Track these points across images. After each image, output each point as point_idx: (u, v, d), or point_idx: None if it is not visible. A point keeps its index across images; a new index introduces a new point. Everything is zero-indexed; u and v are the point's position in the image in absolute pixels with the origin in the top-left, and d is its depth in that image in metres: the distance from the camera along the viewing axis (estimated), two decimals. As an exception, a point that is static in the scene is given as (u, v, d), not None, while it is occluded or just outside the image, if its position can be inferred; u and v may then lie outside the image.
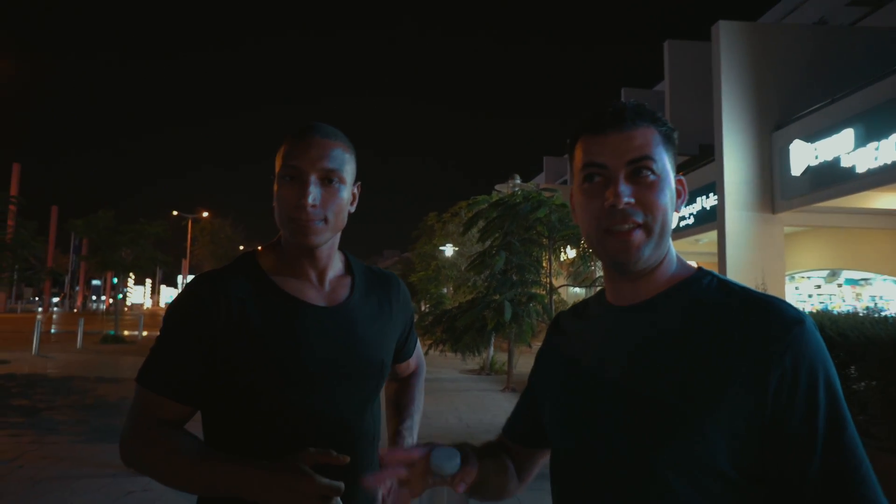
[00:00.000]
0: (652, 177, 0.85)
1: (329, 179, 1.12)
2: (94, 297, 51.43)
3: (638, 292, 0.90)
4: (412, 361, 1.47)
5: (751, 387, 0.75)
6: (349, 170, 1.16)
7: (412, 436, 1.31)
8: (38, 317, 14.34)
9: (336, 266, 1.25)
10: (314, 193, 1.10)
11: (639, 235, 0.84)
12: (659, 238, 0.86)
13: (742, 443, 0.76)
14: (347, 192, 1.17)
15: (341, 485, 0.97)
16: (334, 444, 1.08)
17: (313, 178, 1.10)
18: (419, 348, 1.51)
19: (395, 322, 1.31)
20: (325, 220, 1.12)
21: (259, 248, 1.24)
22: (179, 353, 1.09)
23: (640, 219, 0.84)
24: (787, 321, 0.77)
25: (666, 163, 0.88)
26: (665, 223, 0.86)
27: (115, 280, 24.37)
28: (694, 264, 0.93)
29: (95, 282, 59.12)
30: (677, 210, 0.90)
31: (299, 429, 1.10)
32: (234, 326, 1.09)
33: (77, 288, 54.09)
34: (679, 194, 0.91)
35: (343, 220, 1.18)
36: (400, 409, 1.40)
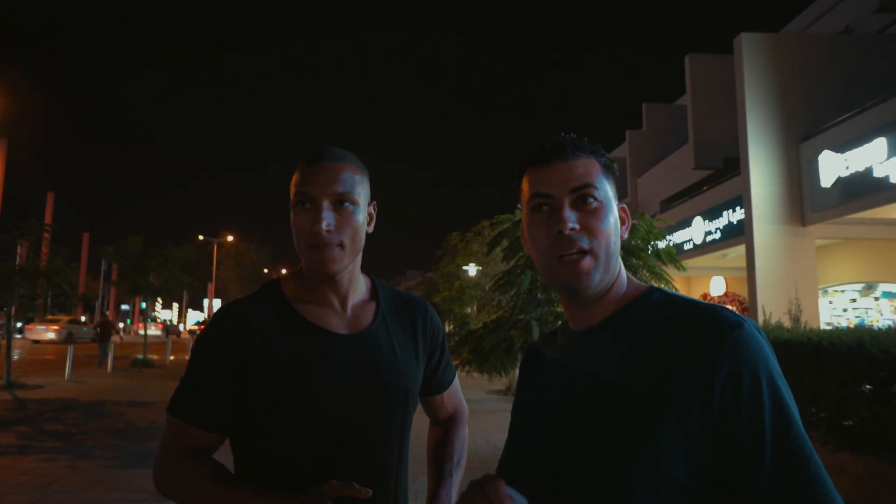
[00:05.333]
0: (595, 203, 0.90)
1: (341, 203, 1.11)
2: (121, 324, 52.27)
3: (593, 316, 0.94)
4: (448, 400, 1.40)
5: (698, 393, 0.78)
6: (362, 191, 1.15)
7: (450, 500, 1.24)
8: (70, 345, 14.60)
9: (360, 290, 1.23)
10: (328, 219, 1.09)
11: (587, 262, 0.88)
12: (606, 263, 0.90)
13: (699, 451, 0.78)
14: (362, 214, 1.15)
15: None
16: (356, 475, 1.07)
17: (326, 203, 1.09)
18: (459, 391, 1.43)
19: (422, 349, 1.28)
20: (342, 245, 1.11)
21: (283, 272, 1.25)
22: (208, 383, 1.11)
23: (585, 244, 0.88)
24: (726, 327, 0.80)
25: (608, 190, 0.93)
26: (609, 248, 0.90)
27: (144, 305, 24.79)
28: (644, 283, 0.97)
29: (125, 306, 60.22)
30: (622, 236, 0.94)
31: (320, 458, 1.09)
32: (258, 356, 1.10)
33: (107, 313, 55.20)
34: (623, 221, 0.95)
35: (360, 242, 1.16)
36: (439, 465, 1.32)
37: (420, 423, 1.28)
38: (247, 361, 1.10)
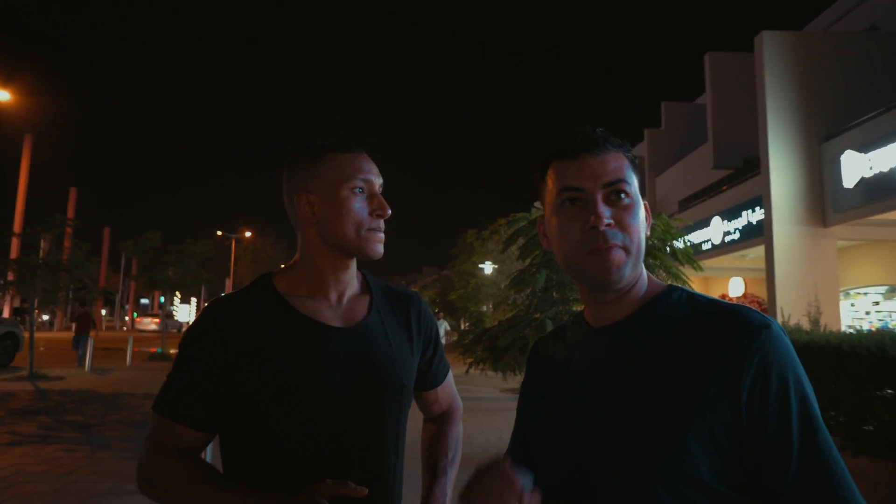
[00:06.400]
0: (627, 200, 0.89)
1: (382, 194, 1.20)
2: (132, 318, 52.89)
3: (614, 312, 0.92)
4: (443, 396, 1.39)
5: (725, 394, 0.77)
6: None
7: (445, 498, 1.23)
8: (91, 336, 14.83)
9: (354, 285, 1.23)
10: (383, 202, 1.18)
11: (620, 255, 0.87)
12: (636, 258, 0.89)
13: (723, 452, 0.77)
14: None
15: None
16: (352, 471, 1.05)
17: (378, 189, 1.19)
18: (453, 387, 1.42)
19: (416, 342, 1.27)
20: (384, 232, 1.20)
21: (280, 268, 1.24)
22: (196, 378, 1.08)
23: (619, 240, 0.87)
24: (753, 327, 0.79)
25: (636, 187, 0.92)
26: (640, 244, 0.89)
27: (163, 299, 25.11)
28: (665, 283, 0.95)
29: (144, 300, 61.03)
30: (647, 233, 0.93)
31: (315, 453, 1.07)
32: (251, 349, 1.08)
33: (127, 307, 55.97)
34: (647, 218, 0.94)
35: None
36: (433, 462, 1.31)
37: (413, 421, 1.26)
38: (238, 355, 1.07)
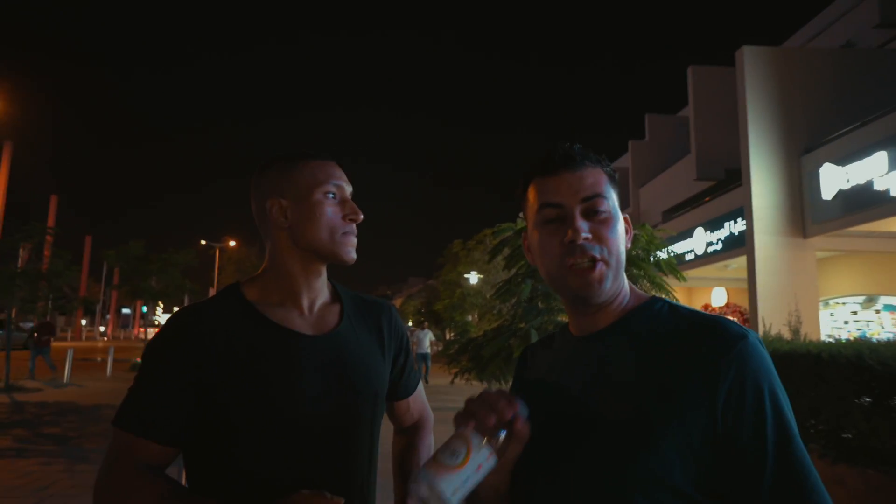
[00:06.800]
0: (605, 214, 0.91)
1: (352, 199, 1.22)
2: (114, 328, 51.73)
3: (596, 322, 0.95)
4: (414, 405, 1.37)
5: (701, 402, 0.79)
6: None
7: None
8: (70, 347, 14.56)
9: (325, 293, 1.23)
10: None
11: (600, 269, 0.89)
12: (616, 271, 0.91)
13: (698, 459, 0.78)
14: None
15: None
16: (326, 481, 1.04)
17: (350, 195, 1.20)
18: (424, 397, 1.41)
19: (388, 350, 1.27)
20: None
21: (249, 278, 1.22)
22: (161, 391, 1.04)
23: (597, 253, 0.89)
24: (730, 337, 0.81)
25: (615, 200, 0.94)
26: (619, 256, 0.91)
27: (145, 308, 24.78)
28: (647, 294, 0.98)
29: (125, 310, 60.16)
30: (627, 245, 0.95)
31: (288, 463, 1.05)
32: (219, 358, 1.05)
33: (108, 317, 55.14)
34: (627, 231, 0.96)
35: None
36: (405, 473, 1.31)
37: (383, 429, 1.25)
38: (207, 366, 1.04)
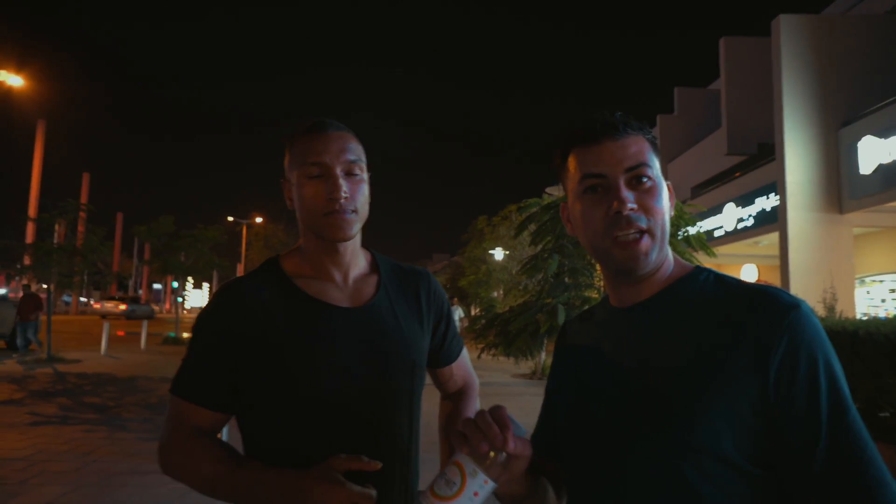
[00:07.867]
0: (649, 183, 0.88)
1: (352, 172, 1.13)
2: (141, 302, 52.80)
3: (639, 293, 0.92)
4: (458, 372, 1.39)
5: (752, 372, 0.77)
6: (364, 161, 1.18)
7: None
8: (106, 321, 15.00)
9: (360, 265, 1.23)
10: (344, 186, 1.11)
11: (646, 242, 0.87)
12: (661, 241, 0.88)
13: (749, 429, 0.77)
14: (367, 183, 1.18)
15: (373, 492, 0.95)
16: (365, 448, 1.05)
17: (339, 171, 1.11)
18: (469, 363, 1.42)
19: (427, 320, 1.27)
20: (356, 212, 1.14)
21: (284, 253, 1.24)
22: (210, 361, 1.10)
23: (643, 224, 0.86)
24: (783, 306, 0.79)
25: (658, 169, 0.91)
26: (664, 226, 0.89)
27: (175, 284, 25.35)
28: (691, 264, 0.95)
29: (157, 285, 61.62)
30: (671, 213, 0.92)
31: (329, 431, 1.08)
32: (260, 333, 1.09)
33: (140, 291, 56.58)
34: (670, 199, 0.93)
35: (367, 210, 1.19)
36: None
37: (429, 405, 1.26)
38: (249, 338, 1.08)
